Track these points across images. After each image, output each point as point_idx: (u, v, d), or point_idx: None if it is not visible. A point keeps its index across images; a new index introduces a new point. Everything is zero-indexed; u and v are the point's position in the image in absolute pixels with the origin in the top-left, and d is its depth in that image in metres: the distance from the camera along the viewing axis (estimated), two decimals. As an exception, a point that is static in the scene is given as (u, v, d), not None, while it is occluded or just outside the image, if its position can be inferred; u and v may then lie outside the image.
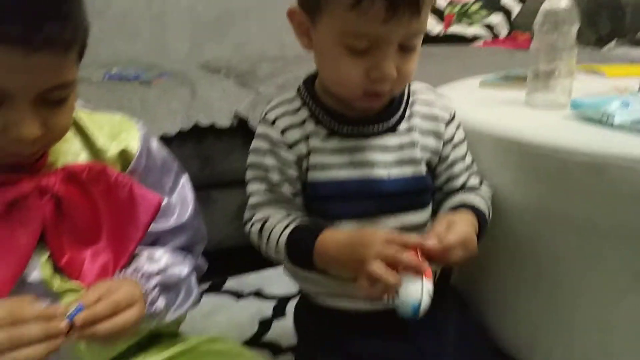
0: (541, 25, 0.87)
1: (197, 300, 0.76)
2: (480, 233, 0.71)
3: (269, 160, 0.73)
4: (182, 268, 0.73)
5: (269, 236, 0.72)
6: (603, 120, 0.76)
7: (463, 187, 0.79)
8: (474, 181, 0.80)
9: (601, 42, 1.97)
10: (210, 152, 1.27)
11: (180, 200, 0.77)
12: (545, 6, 0.87)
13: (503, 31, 2.14)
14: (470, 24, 2.12)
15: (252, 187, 0.76)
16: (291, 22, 0.71)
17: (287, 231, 0.71)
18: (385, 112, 0.74)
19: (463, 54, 1.71)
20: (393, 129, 0.74)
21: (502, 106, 0.94)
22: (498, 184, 0.81)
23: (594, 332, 0.77)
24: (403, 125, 0.75)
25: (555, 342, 0.81)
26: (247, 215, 0.77)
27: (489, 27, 2.13)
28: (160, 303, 0.68)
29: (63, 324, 0.54)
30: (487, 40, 2.10)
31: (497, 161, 0.80)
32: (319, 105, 0.73)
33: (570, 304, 0.78)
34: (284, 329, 1.15)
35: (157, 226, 0.72)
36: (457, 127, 0.79)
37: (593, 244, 0.73)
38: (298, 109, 0.74)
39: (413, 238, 0.64)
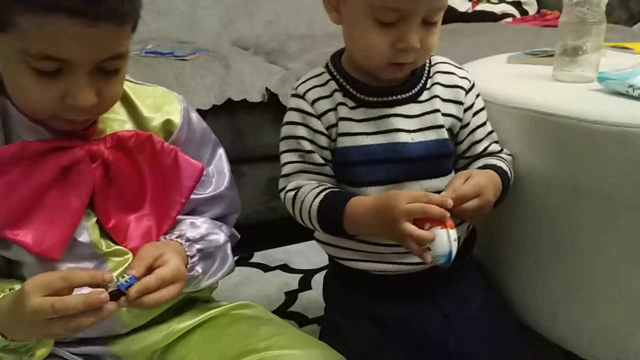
0: (570, -1, 0.88)
1: (232, 269, 0.79)
2: (503, 193, 0.76)
3: (301, 131, 0.77)
4: (220, 236, 0.76)
5: (301, 204, 0.76)
6: (629, 92, 0.77)
7: (484, 153, 0.82)
8: (495, 147, 0.83)
9: (632, 20, 1.93)
10: (242, 126, 1.31)
11: (217, 171, 0.81)
12: (575, -20, 0.87)
13: (532, 9, 2.11)
14: (499, 2, 2.10)
15: (285, 157, 0.80)
16: None
17: (319, 199, 0.74)
18: (407, 82, 0.78)
19: (491, 32, 1.70)
20: (415, 98, 0.78)
21: (528, 80, 0.95)
22: (523, 156, 0.83)
23: (615, 302, 0.78)
24: (425, 94, 0.79)
25: (577, 313, 0.82)
26: (281, 183, 0.81)
27: (518, 5, 2.10)
28: (199, 269, 0.71)
29: (104, 295, 0.56)
30: (515, 17, 2.07)
31: (523, 133, 0.82)
32: (346, 78, 0.78)
33: (591, 274, 0.79)
34: (310, 301, 1.20)
35: (195, 196, 0.76)
36: (477, 96, 0.82)
37: (616, 214, 0.74)
38: (326, 82, 0.78)
39: (433, 195, 0.69)
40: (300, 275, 1.31)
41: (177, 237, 0.71)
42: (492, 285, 0.89)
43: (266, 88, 1.30)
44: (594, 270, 0.79)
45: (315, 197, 0.75)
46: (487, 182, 0.73)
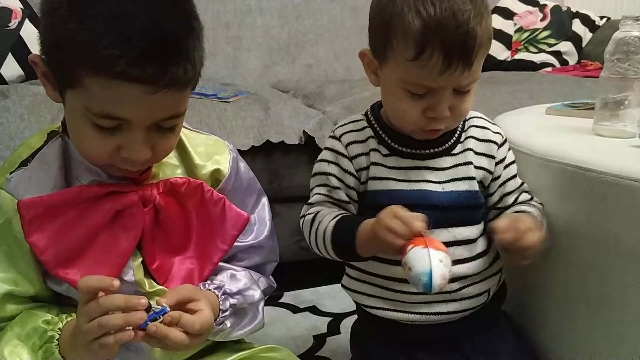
0: (612, 54, 0.88)
1: (261, 326, 0.81)
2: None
3: (331, 168, 0.80)
4: (256, 292, 0.77)
5: (317, 226, 0.77)
6: (672, 151, 0.76)
7: (515, 204, 0.83)
8: (525, 196, 0.84)
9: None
10: (278, 167, 1.33)
11: (259, 219, 0.82)
12: (617, 35, 0.88)
13: (572, 59, 2.11)
14: (538, 51, 2.11)
15: (314, 191, 0.82)
16: (362, 61, 0.79)
17: (334, 221, 0.76)
18: (442, 136, 0.79)
19: (530, 81, 1.70)
20: (449, 151, 0.80)
21: (568, 133, 0.94)
22: (561, 210, 0.82)
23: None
24: (458, 147, 0.81)
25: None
26: (303, 210, 0.82)
27: (557, 54, 2.10)
28: (228, 323, 0.72)
29: (144, 301, 0.59)
30: (555, 67, 2.07)
31: (561, 187, 0.81)
32: (382, 128, 0.80)
33: (635, 336, 0.76)
34: (338, 345, 1.18)
35: (237, 243, 0.77)
36: (508, 150, 0.84)
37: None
38: (363, 128, 0.81)
39: (418, 219, 0.67)
40: (329, 319, 1.30)
41: (215, 288, 0.72)
42: (524, 339, 0.87)
43: (303, 131, 1.33)
44: (629, 325, 0.76)
45: (332, 220, 0.76)
46: (523, 218, 0.75)
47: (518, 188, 0.84)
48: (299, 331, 1.25)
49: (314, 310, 1.34)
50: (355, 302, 0.87)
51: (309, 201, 0.82)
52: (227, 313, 0.72)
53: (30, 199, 0.64)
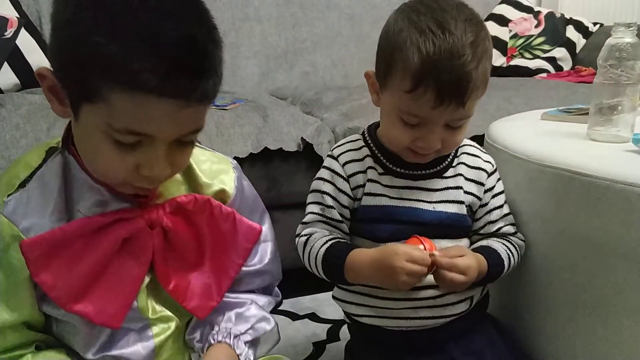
0: (605, 59, 0.89)
1: (278, 339, 0.82)
2: (489, 273, 0.80)
3: (327, 187, 0.83)
4: (267, 324, 0.78)
5: (310, 249, 0.80)
6: (665, 155, 0.77)
7: (498, 233, 0.86)
8: (509, 229, 0.87)
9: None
10: (277, 174, 1.33)
11: (263, 239, 0.81)
12: (610, 41, 0.89)
13: (566, 65, 2.13)
14: (533, 57, 2.13)
15: (308, 208, 0.85)
16: (367, 81, 0.81)
17: (326, 246, 0.79)
18: (433, 160, 0.82)
19: (525, 86, 1.71)
20: (440, 173, 0.83)
21: (563, 138, 0.95)
22: (557, 215, 0.83)
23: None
24: (450, 171, 0.83)
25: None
26: (298, 229, 0.85)
27: (552, 60, 2.12)
28: (250, 354, 0.74)
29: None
30: (550, 73, 2.09)
31: (556, 192, 0.82)
32: (378, 148, 0.83)
33: (631, 339, 0.77)
34: (338, 351, 1.17)
35: (243, 268, 0.76)
36: (498, 179, 0.87)
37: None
38: (360, 148, 0.84)
39: (425, 253, 0.74)
40: (328, 326, 1.29)
41: (224, 337, 0.72)
42: (511, 341, 0.89)
43: (301, 138, 1.34)
44: (637, 333, 0.76)
45: (324, 244, 0.79)
46: (476, 266, 0.77)
47: (503, 217, 0.86)
48: (298, 338, 1.24)
49: (313, 317, 1.34)
50: (344, 312, 0.90)
51: (303, 220, 0.85)
52: (245, 352, 0.72)
53: (32, 240, 0.62)
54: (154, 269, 0.69)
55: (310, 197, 0.85)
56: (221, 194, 0.75)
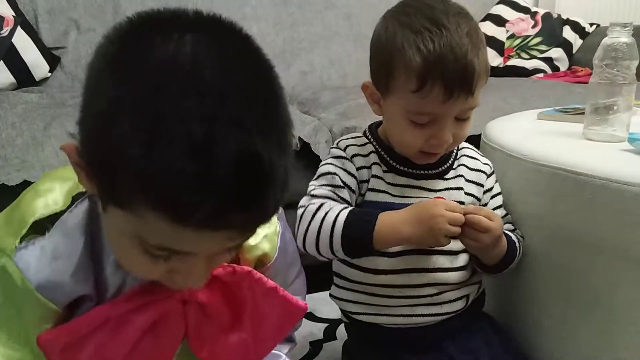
0: (601, 59, 0.89)
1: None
2: (505, 260, 0.81)
3: (337, 170, 0.81)
4: None
5: (325, 214, 0.75)
6: (660, 154, 0.77)
7: None
8: (509, 227, 0.88)
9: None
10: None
11: (295, 293, 0.74)
12: (605, 41, 0.90)
13: (563, 65, 2.13)
14: (530, 57, 2.13)
15: (316, 189, 0.80)
16: (364, 92, 0.81)
17: (348, 210, 0.75)
18: (436, 162, 0.83)
19: (522, 87, 1.71)
20: (442, 175, 0.83)
21: (559, 138, 0.96)
22: (552, 214, 0.83)
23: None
24: (451, 173, 0.84)
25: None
26: (303, 201, 0.80)
27: (549, 61, 2.12)
28: None
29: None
30: (546, 73, 2.10)
31: (552, 191, 0.83)
32: (381, 146, 0.83)
33: (626, 336, 0.77)
34: (335, 351, 1.17)
35: None
36: (496, 181, 0.89)
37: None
38: (364, 144, 0.84)
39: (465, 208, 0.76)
40: (325, 325, 1.29)
41: None
42: (507, 339, 0.89)
43: (299, 137, 1.34)
44: (630, 331, 0.77)
45: (344, 209, 0.76)
46: (500, 232, 0.78)
47: (502, 217, 0.87)
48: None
49: (310, 316, 1.33)
50: (342, 310, 0.90)
51: (312, 193, 0.80)
52: None
53: (49, 335, 0.54)
54: (187, 338, 0.63)
55: (318, 181, 0.81)
56: (262, 257, 0.67)
